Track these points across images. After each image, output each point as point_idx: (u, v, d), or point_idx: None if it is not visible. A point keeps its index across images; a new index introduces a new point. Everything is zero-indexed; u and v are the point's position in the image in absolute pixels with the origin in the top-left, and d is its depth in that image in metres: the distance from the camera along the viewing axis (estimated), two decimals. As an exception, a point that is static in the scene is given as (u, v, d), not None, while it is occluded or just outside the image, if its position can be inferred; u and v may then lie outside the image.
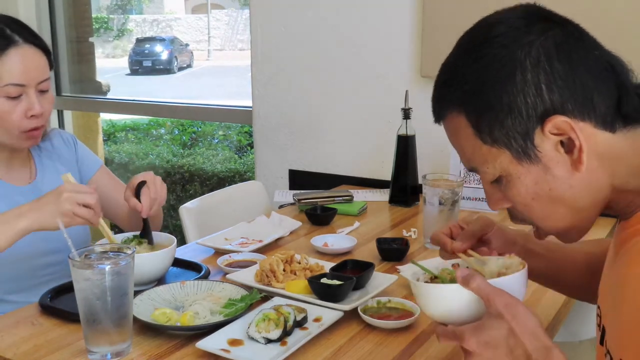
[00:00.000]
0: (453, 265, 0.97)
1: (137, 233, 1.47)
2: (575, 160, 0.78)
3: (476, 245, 1.02)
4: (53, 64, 1.51)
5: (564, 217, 0.83)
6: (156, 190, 1.47)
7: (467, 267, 0.90)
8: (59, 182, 1.61)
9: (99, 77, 4.08)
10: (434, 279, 0.94)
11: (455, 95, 0.83)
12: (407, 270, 0.96)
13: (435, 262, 1.00)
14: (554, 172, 0.79)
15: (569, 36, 0.78)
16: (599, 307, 0.87)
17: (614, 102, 0.78)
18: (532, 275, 0.99)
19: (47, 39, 1.52)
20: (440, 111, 0.87)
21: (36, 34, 1.49)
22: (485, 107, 0.80)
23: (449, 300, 0.86)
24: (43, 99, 1.47)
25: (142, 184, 1.46)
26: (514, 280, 0.87)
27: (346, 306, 1.22)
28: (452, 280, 0.90)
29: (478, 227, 1.03)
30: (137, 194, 1.46)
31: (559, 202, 0.81)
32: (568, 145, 0.78)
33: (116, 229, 1.95)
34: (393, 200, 2.12)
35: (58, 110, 3.49)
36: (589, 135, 0.77)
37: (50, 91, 1.50)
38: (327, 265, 1.43)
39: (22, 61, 1.42)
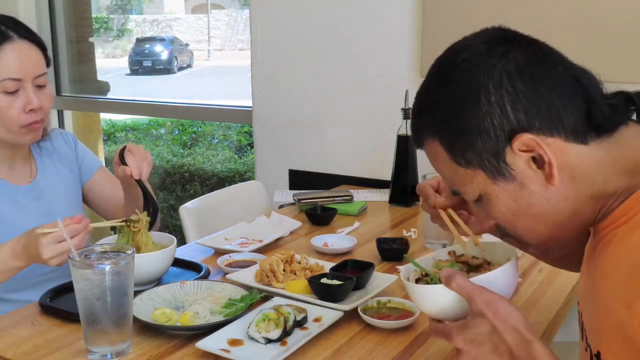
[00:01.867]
0: (447, 258, 0.98)
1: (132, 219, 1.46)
2: (547, 175, 0.79)
3: (458, 205, 1.03)
4: (50, 60, 1.52)
5: (546, 230, 0.84)
6: (139, 152, 1.47)
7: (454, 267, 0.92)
8: (58, 182, 1.61)
9: (99, 77, 4.08)
10: (425, 275, 0.96)
11: (428, 124, 0.86)
12: (404, 270, 0.97)
13: (432, 255, 1.02)
14: (530, 188, 0.81)
15: (532, 56, 0.80)
16: (579, 306, 0.88)
17: (582, 115, 0.79)
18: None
19: (47, 39, 1.53)
20: (417, 139, 0.90)
21: (31, 30, 1.50)
22: (455, 131, 0.82)
23: (438, 299, 0.87)
24: (41, 93, 1.47)
25: (124, 150, 1.45)
26: (496, 276, 0.88)
27: (346, 306, 1.22)
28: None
29: None
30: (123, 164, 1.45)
31: (539, 216, 0.83)
32: (539, 161, 0.79)
33: (113, 231, 1.94)
34: (393, 200, 2.12)
35: (58, 110, 3.49)
36: (560, 149, 0.79)
37: (49, 87, 1.51)
38: (327, 265, 1.43)
39: (18, 56, 1.42)
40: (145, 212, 1.42)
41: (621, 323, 0.73)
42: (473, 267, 0.99)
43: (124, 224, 1.38)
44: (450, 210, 1.02)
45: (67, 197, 1.63)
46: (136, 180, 1.45)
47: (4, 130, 1.46)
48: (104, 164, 1.77)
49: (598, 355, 0.78)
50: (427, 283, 0.93)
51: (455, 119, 0.82)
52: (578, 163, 0.80)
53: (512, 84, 0.78)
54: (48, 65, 1.51)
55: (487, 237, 1.05)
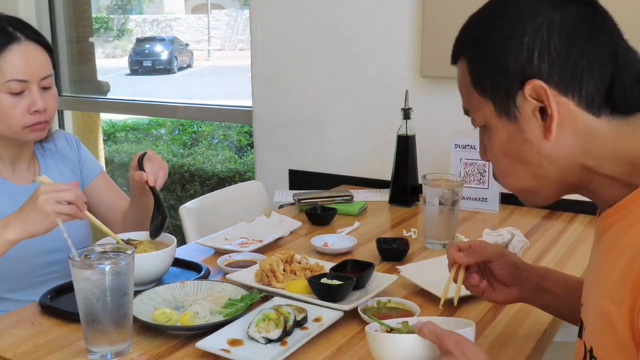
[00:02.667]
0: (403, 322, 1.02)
1: (134, 237, 1.47)
2: (546, 128, 0.81)
3: (476, 268, 1.11)
4: (56, 62, 1.52)
5: (524, 179, 0.87)
6: (158, 160, 1.50)
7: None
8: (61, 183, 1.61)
9: (99, 77, 4.08)
10: (390, 331, 0.98)
11: (464, 42, 0.90)
12: (370, 327, 0.99)
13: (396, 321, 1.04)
14: (526, 135, 0.83)
15: (581, 16, 0.81)
16: (582, 304, 0.89)
17: (604, 88, 0.80)
18: (549, 311, 1.12)
19: (47, 39, 1.53)
20: (453, 54, 0.93)
21: (38, 31, 1.50)
22: (481, 57, 0.86)
23: (403, 349, 0.91)
24: (46, 95, 1.48)
25: (143, 156, 1.49)
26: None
27: (346, 306, 1.22)
28: (409, 332, 0.95)
29: (487, 252, 1.10)
30: (141, 169, 1.48)
31: (524, 163, 0.85)
32: (545, 114, 0.81)
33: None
34: (393, 200, 2.12)
35: (58, 110, 3.49)
36: (569, 111, 0.80)
37: (54, 88, 1.51)
38: (327, 265, 1.43)
39: (24, 57, 1.43)
40: (143, 242, 1.45)
41: (612, 320, 0.74)
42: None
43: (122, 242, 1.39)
44: (461, 271, 1.09)
45: None
46: (150, 187, 1.47)
47: (7, 130, 1.46)
48: (104, 169, 1.77)
49: (591, 350, 0.80)
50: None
51: (486, 46, 0.85)
52: (583, 130, 0.81)
53: (549, 34, 0.80)
54: (54, 66, 1.51)
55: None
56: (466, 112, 0.92)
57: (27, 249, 1.45)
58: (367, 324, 1.20)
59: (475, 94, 0.87)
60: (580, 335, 0.87)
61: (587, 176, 0.83)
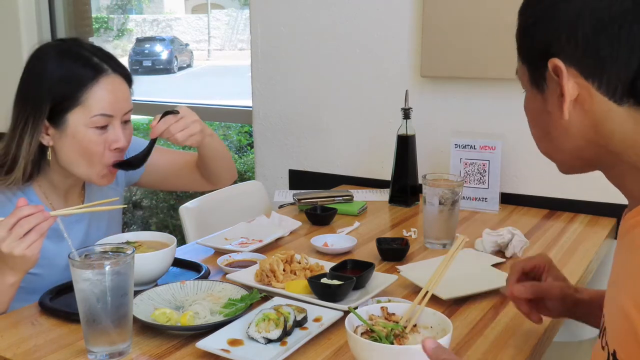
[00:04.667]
0: (380, 314, 1.06)
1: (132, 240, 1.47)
2: (562, 107, 0.83)
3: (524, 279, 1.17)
4: (133, 93, 1.48)
5: (548, 148, 0.92)
6: (185, 121, 1.47)
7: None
8: (102, 212, 1.56)
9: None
10: (372, 331, 1.00)
11: (523, 4, 0.89)
12: (348, 320, 1.01)
13: (366, 309, 1.07)
14: (548, 108, 0.86)
15: (623, 6, 0.80)
16: (605, 297, 0.88)
17: (629, 79, 0.80)
18: (584, 321, 1.15)
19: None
20: (519, 12, 0.92)
21: (121, 63, 1.46)
22: (525, 25, 0.87)
23: (382, 358, 0.95)
24: (126, 130, 1.44)
25: (172, 112, 1.48)
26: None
27: (346, 306, 1.22)
28: (388, 335, 0.98)
29: (550, 293, 1.14)
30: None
31: (547, 134, 0.90)
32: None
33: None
34: (393, 200, 2.12)
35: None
36: (590, 94, 0.81)
37: (130, 122, 1.47)
38: (327, 265, 1.43)
39: (112, 91, 1.39)
40: (143, 243, 1.44)
41: (634, 324, 0.72)
42: (400, 327, 1.02)
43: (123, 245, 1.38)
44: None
45: (107, 219, 1.60)
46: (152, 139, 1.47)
47: (85, 168, 1.41)
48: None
49: (614, 354, 0.78)
50: (374, 339, 0.98)
51: (529, 15, 0.86)
52: (600, 114, 0.82)
53: (583, 18, 0.80)
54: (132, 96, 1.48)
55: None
56: (517, 73, 0.94)
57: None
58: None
59: (519, 58, 0.90)
60: (601, 337, 0.86)
61: (611, 159, 0.84)
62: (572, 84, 0.81)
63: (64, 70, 1.37)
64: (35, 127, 1.36)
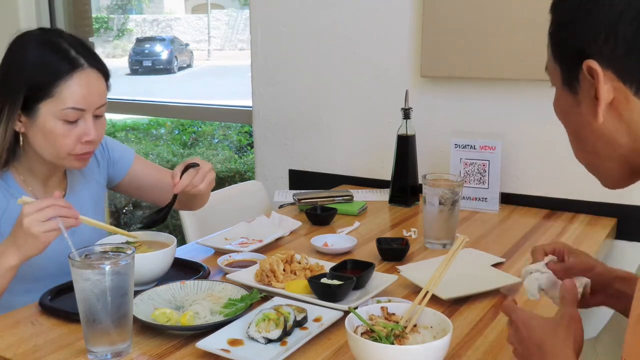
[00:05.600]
0: (380, 314, 1.07)
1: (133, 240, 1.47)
2: (596, 110, 0.81)
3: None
4: (110, 87, 1.49)
5: (583, 153, 0.89)
6: (204, 176, 1.51)
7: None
8: (87, 197, 1.59)
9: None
10: (371, 331, 1.00)
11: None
12: (348, 320, 1.02)
13: (366, 309, 1.07)
14: (581, 110, 0.83)
15: None
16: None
17: None
18: (626, 314, 1.06)
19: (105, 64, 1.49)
20: (551, 7, 0.90)
21: (99, 57, 1.47)
22: (559, 20, 0.84)
23: (382, 358, 0.95)
24: (98, 124, 1.45)
25: (193, 165, 1.52)
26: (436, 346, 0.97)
27: (346, 306, 1.22)
28: (388, 336, 0.98)
29: (575, 269, 1.11)
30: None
31: (580, 137, 0.87)
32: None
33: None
34: (393, 200, 2.12)
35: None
36: (626, 98, 0.79)
37: (104, 116, 1.48)
38: (327, 265, 1.43)
39: (85, 85, 1.39)
40: (143, 243, 1.45)
41: None
42: (400, 327, 1.03)
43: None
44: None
45: (92, 211, 1.60)
46: (174, 195, 1.50)
47: (54, 156, 1.42)
48: (136, 153, 1.74)
49: None
50: (374, 340, 0.98)
51: (567, 11, 0.83)
52: (637, 119, 0.80)
53: (625, 21, 0.77)
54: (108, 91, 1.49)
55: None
56: (547, 69, 0.92)
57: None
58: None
59: (551, 56, 0.87)
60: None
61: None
62: (608, 87, 0.78)
63: (42, 61, 1.38)
64: (11, 115, 1.38)
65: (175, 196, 1.51)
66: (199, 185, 1.51)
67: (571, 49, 0.82)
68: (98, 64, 1.44)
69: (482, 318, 1.25)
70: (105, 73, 1.46)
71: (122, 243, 1.38)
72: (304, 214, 1.92)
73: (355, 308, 1.09)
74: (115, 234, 1.46)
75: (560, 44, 0.84)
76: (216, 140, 5.42)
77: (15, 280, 1.30)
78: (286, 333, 1.12)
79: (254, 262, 1.49)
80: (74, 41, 1.43)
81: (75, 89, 1.38)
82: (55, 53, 1.39)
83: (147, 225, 1.52)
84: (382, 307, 1.07)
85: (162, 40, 8.99)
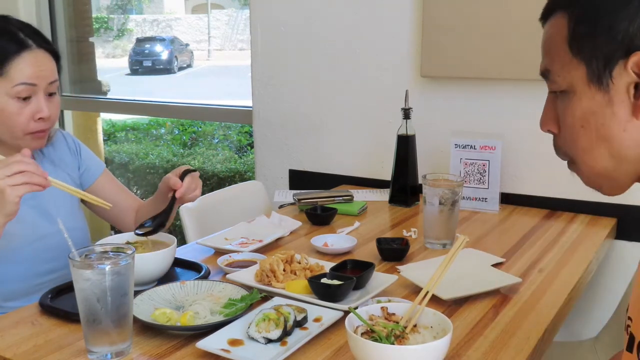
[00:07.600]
0: (380, 314, 1.06)
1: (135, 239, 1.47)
2: (637, 107, 0.76)
3: None
4: (62, 68, 1.53)
5: (603, 159, 0.82)
6: (198, 184, 1.54)
7: None
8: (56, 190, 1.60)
9: (99, 77, 4.08)
10: (371, 331, 1.00)
11: None
12: (348, 320, 1.02)
13: (366, 309, 1.07)
14: (615, 110, 0.78)
15: None
16: (629, 318, 0.83)
17: None
18: None
19: (55, 46, 1.53)
20: (548, 7, 0.86)
21: (48, 39, 1.51)
22: (589, 14, 0.78)
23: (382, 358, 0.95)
24: (51, 102, 1.48)
25: (190, 171, 1.53)
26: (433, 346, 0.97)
27: (346, 306, 1.22)
28: (388, 336, 0.98)
29: None
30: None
31: (605, 140, 0.80)
32: (638, 90, 0.76)
33: (114, 231, 1.94)
34: (393, 200, 2.12)
35: (58, 110, 3.49)
36: None
37: (58, 95, 1.51)
38: (327, 265, 1.43)
39: (34, 63, 1.43)
40: (143, 242, 1.46)
41: None
42: (400, 327, 1.03)
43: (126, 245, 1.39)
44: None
45: (65, 202, 1.61)
46: (172, 197, 1.50)
47: (9, 136, 1.46)
48: (106, 168, 1.77)
49: None
50: (374, 340, 0.98)
51: (599, 2, 0.78)
52: None
53: None
54: (59, 73, 1.52)
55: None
56: (544, 74, 0.86)
57: (26, 256, 1.47)
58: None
59: (567, 53, 0.81)
60: (630, 349, 0.81)
61: None
62: None
63: None
64: None
65: (174, 200, 1.51)
66: (190, 194, 1.53)
67: (609, 41, 0.76)
68: (46, 44, 1.48)
69: (482, 318, 1.25)
70: (54, 54, 1.50)
71: (122, 243, 1.39)
72: (304, 214, 1.92)
73: (356, 308, 1.09)
74: (89, 201, 1.49)
75: (589, 38, 0.78)
76: (216, 140, 5.42)
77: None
78: (286, 333, 1.12)
79: (254, 262, 1.49)
80: (22, 25, 1.48)
81: (24, 66, 1.42)
82: (3, 36, 1.43)
83: (149, 233, 1.49)
84: (382, 307, 1.07)
85: (162, 40, 8.99)
